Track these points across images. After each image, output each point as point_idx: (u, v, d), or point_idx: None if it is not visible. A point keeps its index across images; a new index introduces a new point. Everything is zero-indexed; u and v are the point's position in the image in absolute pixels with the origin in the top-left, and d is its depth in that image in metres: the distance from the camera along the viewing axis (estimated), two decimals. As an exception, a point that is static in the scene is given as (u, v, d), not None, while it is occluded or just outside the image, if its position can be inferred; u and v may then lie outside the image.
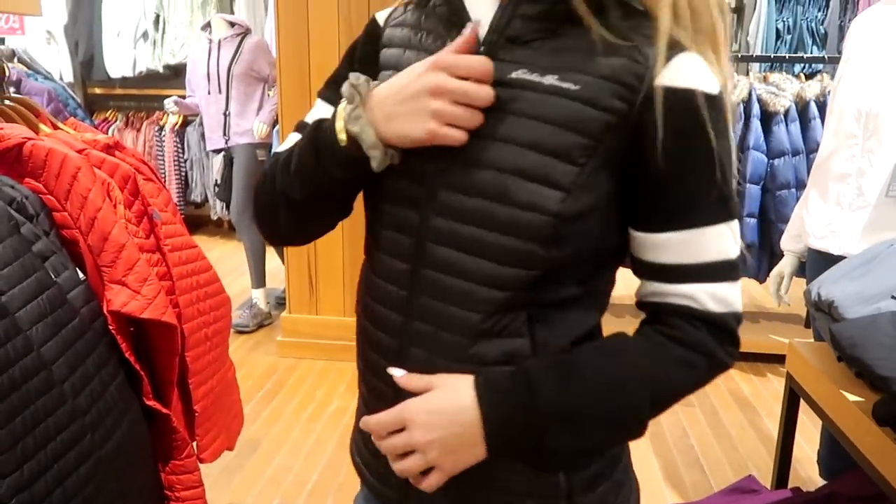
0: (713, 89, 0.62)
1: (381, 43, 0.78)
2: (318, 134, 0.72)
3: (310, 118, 0.80)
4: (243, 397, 1.54)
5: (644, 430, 0.69)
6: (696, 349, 0.67)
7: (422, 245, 0.70)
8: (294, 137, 0.79)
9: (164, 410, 1.11)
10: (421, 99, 0.65)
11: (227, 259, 4.50)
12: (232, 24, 3.32)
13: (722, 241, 0.66)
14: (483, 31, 0.69)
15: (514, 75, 0.66)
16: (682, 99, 0.62)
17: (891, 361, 0.85)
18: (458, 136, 0.65)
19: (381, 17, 0.81)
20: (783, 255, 1.75)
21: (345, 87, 0.69)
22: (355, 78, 0.69)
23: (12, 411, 0.82)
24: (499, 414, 0.66)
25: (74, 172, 1.00)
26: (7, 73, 1.19)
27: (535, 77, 0.65)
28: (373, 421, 0.70)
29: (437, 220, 0.68)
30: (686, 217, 0.65)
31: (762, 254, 2.81)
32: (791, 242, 1.68)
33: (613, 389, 0.67)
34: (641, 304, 0.72)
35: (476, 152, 0.66)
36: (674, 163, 0.64)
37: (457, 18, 0.72)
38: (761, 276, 2.85)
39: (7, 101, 1.17)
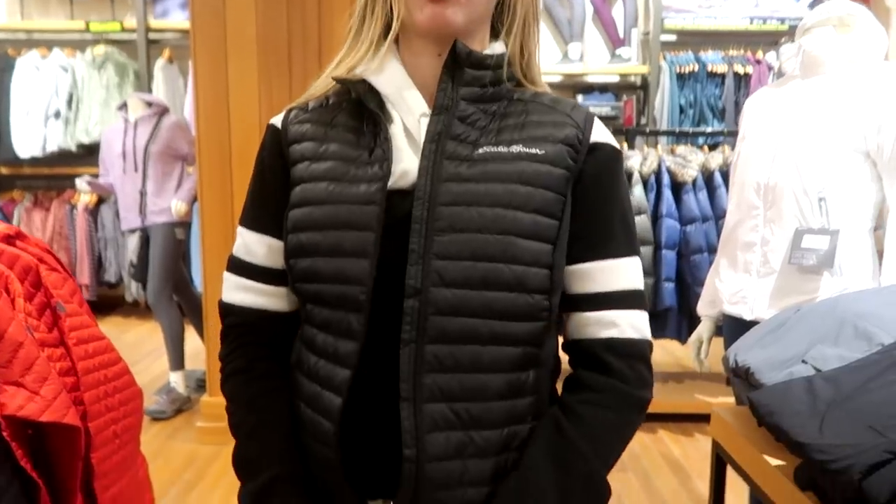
0: (619, 146, 0.79)
1: (286, 142, 0.79)
2: None
3: (243, 252, 0.83)
4: (160, 490, 1.44)
5: (608, 489, 0.74)
6: (623, 394, 0.74)
7: (423, 321, 0.70)
8: (231, 278, 0.83)
9: (65, 522, 1.02)
10: None
11: (143, 341, 4.29)
12: (149, 104, 3.27)
13: (632, 272, 0.77)
14: (420, 113, 0.75)
15: (481, 151, 0.74)
16: (606, 153, 0.77)
17: (806, 428, 0.88)
18: None
19: (277, 121, 0.82)
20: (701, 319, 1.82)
21: None
22: None
23: None
24: None
25: (-34, 267, 0.93)
26: None
27: (502, 149, 0.74)
28: None
29: (441, 291, 0.70)
30: (605, 247, 0.76)
31: (681, 316, 2.91)
32: (707, 308, 1.74)
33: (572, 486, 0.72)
34: (569, 343, 0.79)
35: (471, 221, 0.71)
36: (598, 201, 0.76)
37: (374, 108, 0.75)
38: (682, 338, 2.94)
39: None
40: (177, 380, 3.27)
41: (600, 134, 0.77)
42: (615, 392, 0.74)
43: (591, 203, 0.75)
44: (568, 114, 0.77)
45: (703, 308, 1.76)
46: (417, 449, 0.70)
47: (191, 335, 3.41)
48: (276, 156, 0.80)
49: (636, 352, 0.76)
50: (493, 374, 0.72)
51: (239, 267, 0.83)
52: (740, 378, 1.16)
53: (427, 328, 0.70)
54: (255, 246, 0.81)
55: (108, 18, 4.86)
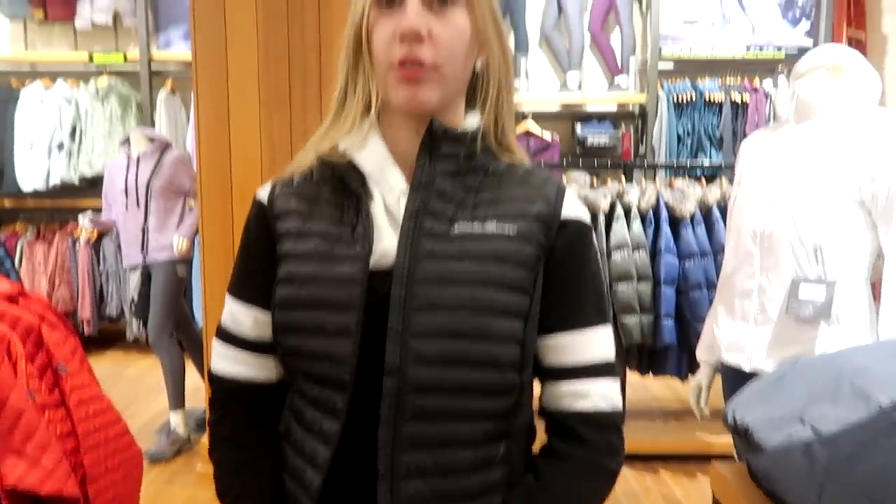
0: (589, 219, 0.83)
1: (272, 216, 0.82)
2: None
3: (230, 322, 0.85)
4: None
5: None
6: (593, 465, 0.78)
7: (401, 399, 0.73)
8: (219, 347, 0.87)
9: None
10: None
11: (143, 377, 4.27)
12: (152, 139, 3.30)
13: (602, 342, 0.80)
14: (399, 192, 0.78)
15: (457, 229, 0.77)
16: (576, 228, 0.80)
17: (805, 497, 0.88)
18: None
19: (262, 194, 0.85)
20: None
21: None
22: None
23: None
24: None
25: (-31, 338, 0.94)
26: None
27: (476, 228, 0.77)
28: None
29: (419, 370, 0.72)
30: (576, 318, 0.79)
31: (682, 353, 2.89)
32: (705, 353, 1.74)
33: None
34: (543, 411, 0.82)
35: (448, 300, 0.73)
36: (568, 275, 0.79)
37: (356, 185, 0.79)
38: (683, 374, 2.93)
39: None
40: (177, 420, 3.25)
41: (571, 209, 0.80)
42: (585, 462, 0.78)
43: (561, 277, 0.79)
44: (539, 188, 0.80)
45: (701, 353, 1.76)
46: None
47: (191, 371, 3.40)
48: (261, 229, 0.83)
49: (608, 422, 0.79)
50: (467, 449, 0.75)
51: (226, 337, 0.86)
52: (739, 436, 1.16)
53: (405, 407, 0.72)
54: (242, 317, 0.84)
55: (112, 49, 4.91)
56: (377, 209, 0.78)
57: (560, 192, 0.80)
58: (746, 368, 1.53)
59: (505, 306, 0.74)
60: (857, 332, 1.42)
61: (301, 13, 2.74)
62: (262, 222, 0.83)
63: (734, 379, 1.54)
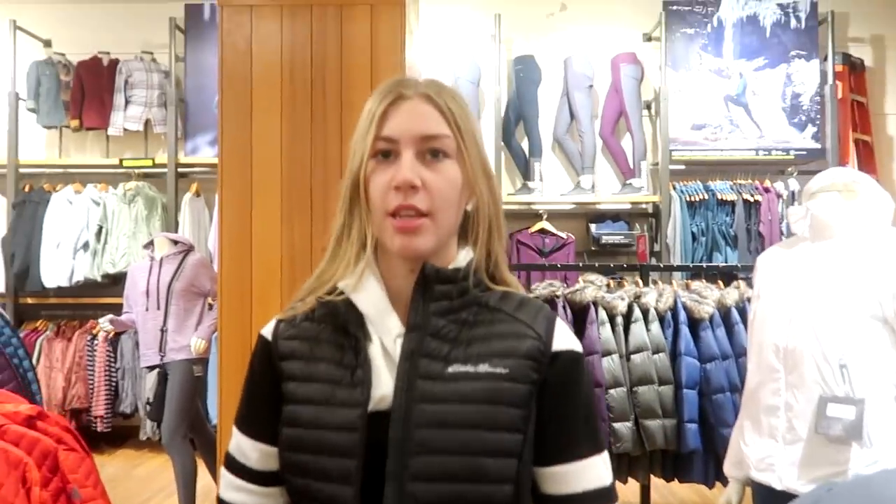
0: (580, 348, 0.86)
1: (277, 356, 0.86)
2: None
3: (238, 453, 0.89)
4: None
5: None
6: None
7: None
8: (227, 476, 0.89)
9: None
10: None
11: (154, 477, 4.18)
12: (175, 242, 3.38)
13: (599, 469, 0.83)
14: (395, 334, 0.81)
15: (451, 370, 0.79)
16: (568, 360, 0.83)
17: None
18: None
19: (267, 332, 0.88)
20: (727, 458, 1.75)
21: None
22: None
23: None
24: None
25: (-13, 467, 0.94)
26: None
27: (470, 368, 0.80)
28: None
29: None
30: (572, 451, 0.82)
31: (708, 458, 2.80)
32: (733, 469, 1.68)
33: None
34: None
35: (444, 443, 0.76)
36: (561, 407, 0.82)
37: (356, 326, 0.82)
38: (709, 482, 2.82)
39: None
40: (186, 524, 3.16)
41: (562, 342, 0.83)
42: None
43: (554, 409, 0.82)
44: (531, 325, 0.83)
45: (729, 469, 1.70)
46: None
47: (203, 472, 3.33)
48: (266, 366, 0.87)
49: None
50: None
51: (234, 467, 0.89)
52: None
53: None
54: (249, 450, 0.88)
55: (142, 155, 5.13)
56: (375, 351, 0.81)
57: (550, 325, 0.84)
58: (777, 487, 1.47)
59: (499, 447, 0.77)
60: (892, 454, 1.37)
61: (324, 126, 2.86)
62: (267, 360, 0.87)
63: (766, 496, 1.49)
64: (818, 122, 4.68)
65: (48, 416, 1.20)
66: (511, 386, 0.79)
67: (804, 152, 4.70)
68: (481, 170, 0.84)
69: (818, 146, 4.66)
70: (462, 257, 0.85)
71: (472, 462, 0.76)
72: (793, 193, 4.63)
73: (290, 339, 0.86)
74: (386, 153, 0.81)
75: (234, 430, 0.90)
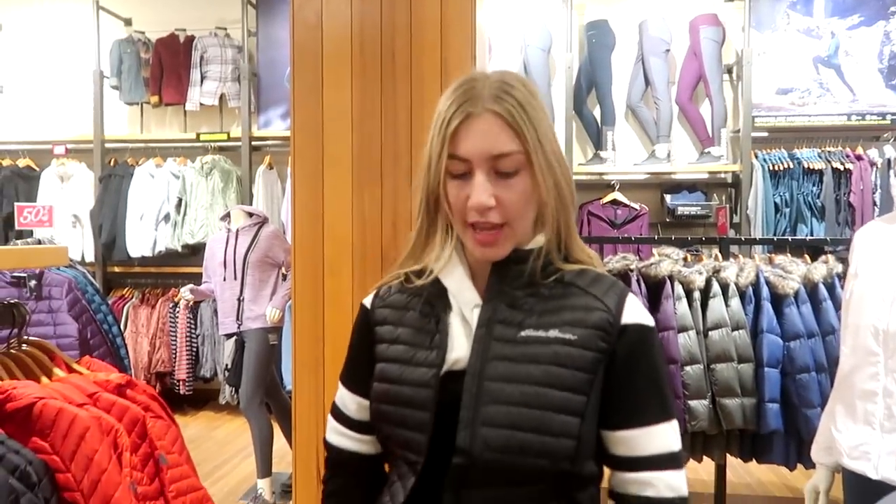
0: (651, 322, 0.90)
1: (373, 322, 0.99)
2: None
3: (340, 403, 1.03)
4: None
5: None
6: None
7: (465, 475, 0.84)
8: (331, 422, 1.04)
9: None
10: None
11: (232, 440, 4.37)
12: (250, 215, 3.47)
13: (666, 436, 0.88)
14: (473, 305, 0.91)
15: (523, 334, 0.88)
16: (637, 332, 0.88)
17: None
18: None
19: (367, 301, 1.02)
20: (811, 441, 1.67)
21: None
22: None
23: None
24: None
25: (82, 433, 0.99)
26: (29, 316, 1.21)
27: (541, 333, 0.87)
28: None
29: (484, 454, 0.83)
30: (639, 417, 0.87)
31: (789, 439, 2.68)
32: (822, 455, 1.60)
33: None
34: (613, 494, 0.91)
35: (512, 396, 0.84)
36: (630, 377, 0.87)
37: (439, 298, 0.93)
38: (791, 464, 2.71)
39: (24, 346, 1.19)
40: (264, 486, 3.30)
41: (632, 315, 0.89)
42: None
43: (623, 379, 0.87)
44: (601, 298, 0.89)
45: (818, 455, 1.61)
46: None
47: (278, 437, 3.45)
48: (364, 332, 1.00)
49: None
50: None
51: (337, 415, 1.04)
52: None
53: (468, 480, 0.84)
54: (349, 402, 1.02)
55: (217, 129, 5.27)
56: (454, 320, 0.92)
57: (621, 299, 0.89)
58: (873, 477, 1.39)
59: (563, 405, 0.84)
60: None
61: (394, 99, 2.85)
62: (366, 327, 1.00)
63: (858, 486, 1.40)
64: (919, 84, 4.35)
65: (136, 384, 1.24)
66: (578, 352, 0.86)
67: (902, 116, 4.37)
68: (550, 167, 0.89)
69: (918, 110, 4.34)
70: (538, 239, 0.92)
71: (537, 415, 0.83)
72: (888, 161, 4.34)
73: (384, 308, 0.98)
74: (460, 173, 0.88)
75: (340, 384, 1.04)
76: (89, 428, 1.00)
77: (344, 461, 1.04)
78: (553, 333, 0.86)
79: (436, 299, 0.93)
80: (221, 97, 5.15)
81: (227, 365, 3.43)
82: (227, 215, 3.49)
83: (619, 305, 0.88)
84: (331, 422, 1.05)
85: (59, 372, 1.18)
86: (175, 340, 4.93)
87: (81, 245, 5.15)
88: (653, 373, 0.89)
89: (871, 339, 1.41)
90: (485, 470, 0.84)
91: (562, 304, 0.89)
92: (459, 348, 0.89)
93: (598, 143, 4.77)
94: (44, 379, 1.17)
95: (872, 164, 4.37)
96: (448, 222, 0.93)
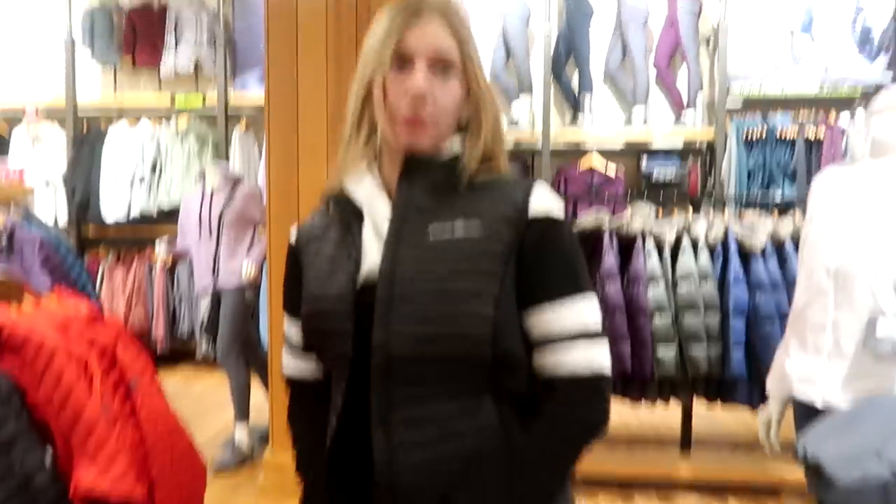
0: (560, 213, 0.93)
1: (297, 251, 1.03)
2: None
3: (286, 333, 1.08)
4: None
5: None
6: (570, 417, 0.89)
7: (388, 368, 0.88)
8: (283, 351, 1.09)
9: None
10: None
11: (210, 394, 4.39)
12: (225, 175, 3.45)
13: (578, 310, 0.90)
14: (383, 217, 0.93)
15: (432, 238, 0.90)
16: (545, 224, 0.91)
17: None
18: None
19: (293, 237, 1.06)
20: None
21: None
22: None
23: None
24: None
25: (50, 354, 1.01)
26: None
27: (447, 234, 0.90)
28: None
29: (400, 347, 0.87)
30: (550, 291, 0.89)
31: (752, 383, 2.76)
32: (776, 386, 1.67)
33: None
34: (536, 382, 0.92)
35: (422, 293, 0.87)
36: (539, 263, 0.90)
37: (355, 217, 0.96)
38: (753, 403, 2.79)
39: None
40: (241, 433, 3.34)
41: (539, 207, 0.91)
42: (562, 417, 0.89)
43: (532, 265, 0.90)
44: (509, 194, 0.92)
45: (772, 385, 1.69)
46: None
47: (256, 390, 3.48)
48: (293, 262, 1.04)
49: (587, 384, 0.89)
50: (450, 402, 0.88)
51: (287, 345, 1.09)
52: (811, 471, 1.11)
53: (391, 374, 0.87)
54: (291, 329, 1.07)
55: (192, 92, 5.20)
56: (368, 233, 0.95)
57: (527, 193, 0.92)
58: (819, 403, 1.46)
59: (472, 296, 0.86)
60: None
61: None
62: (293, 257, 1.04)
63: (806, 413, 1.47)
64: (890, 52, 4.40)
65: (105, 318, 1.26)
66: (485, 246, 0.89)
67: (873, 86, 4.42)
68: (482, 78, 0.95)
69: (889, 78, 4.39)
70: (448, 147, 0.95)
71: (447, 308, 0.86)
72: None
73: (307, 234, 1.03)
74: (402, 65, 0.90)
75: (283, 314, 1.07)
76: (56, 349, 1.02)
77: (300, 388, 1.09)
78: (459, 232, 0.90)
79: (352, 217, 0.96)
80: (197, 62, 5.08)
81: (203, 320, 3.44)
82: (204, 174, 3.47)
83: (525, 199, 0.91)
84: (284, 355, 1.09)
85: (29, 304, 1.19)
86: (152, 300, 4.92)
87: (54, 208, 5.09)
88: (561, 254, 0.91)
89: (823, 276, 1.47)
90: (405, 365, 0.87)
91: (469, 203, 0.92)
92: (373, 259, 0.92)
93: (577, 108, 4.79)
94: (13, 309, 1.18)
95: (843, 132, 4.43)
96: (372, 128, 0.95)
